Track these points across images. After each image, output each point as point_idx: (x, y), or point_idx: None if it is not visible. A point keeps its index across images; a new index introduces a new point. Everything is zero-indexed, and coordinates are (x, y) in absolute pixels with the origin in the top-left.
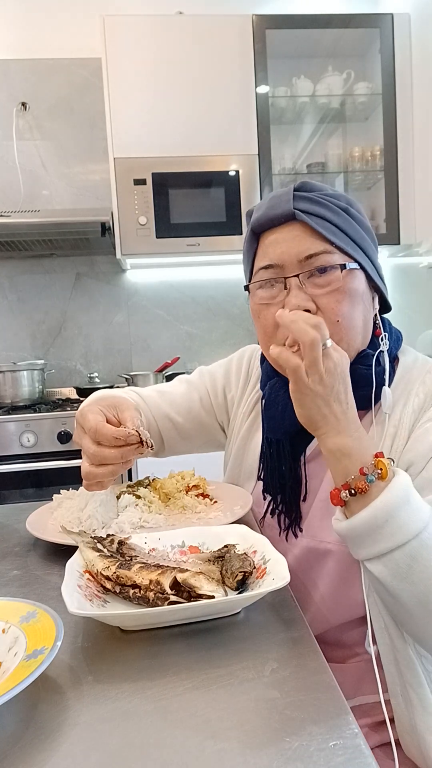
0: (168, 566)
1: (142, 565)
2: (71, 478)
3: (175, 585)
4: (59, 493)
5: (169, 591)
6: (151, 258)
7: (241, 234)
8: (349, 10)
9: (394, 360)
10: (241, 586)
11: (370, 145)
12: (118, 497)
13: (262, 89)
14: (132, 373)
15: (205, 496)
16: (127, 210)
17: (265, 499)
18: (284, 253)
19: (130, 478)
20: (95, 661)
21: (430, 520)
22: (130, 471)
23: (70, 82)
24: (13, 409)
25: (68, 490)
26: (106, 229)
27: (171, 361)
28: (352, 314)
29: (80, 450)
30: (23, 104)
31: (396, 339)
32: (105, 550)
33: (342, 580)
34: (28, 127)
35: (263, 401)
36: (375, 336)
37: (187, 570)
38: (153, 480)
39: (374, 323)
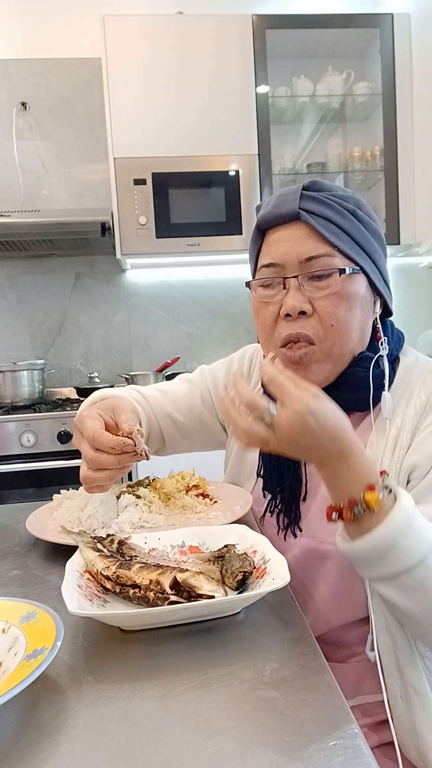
0: (168, 566)
1: (142, 565)
2: (71, 478)
3: (175, 585)
4: (59, 493)
5: (169, 591)
6: (151, 258)
7: (241, 234)
8: (349, 10)
9: (395, 361)
10: (241, 586)
11: (370, 145)
12: (118, 497)
13: (262, 89)
14: (132, 373)
15: (205, 496)
16: (127, 210)
17: (265, 497)
18: (286, 253)
19: (130, 478)
20: (95, 661)
21: None
22: (130, 471)
23: (70, 82)
24: (13, 409)
25: (68, 490)
26: (106, 229)
27: (171, 361)
28: (348, 319)
29: (77, 447)
30: (23, 104)
31: (398, 340)
32: (105, 550)
33: (343, 581)
34: (28, 127)
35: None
36: (376, 339)
37: (187, 570)
38: (153, 480)
39: (375, 327)
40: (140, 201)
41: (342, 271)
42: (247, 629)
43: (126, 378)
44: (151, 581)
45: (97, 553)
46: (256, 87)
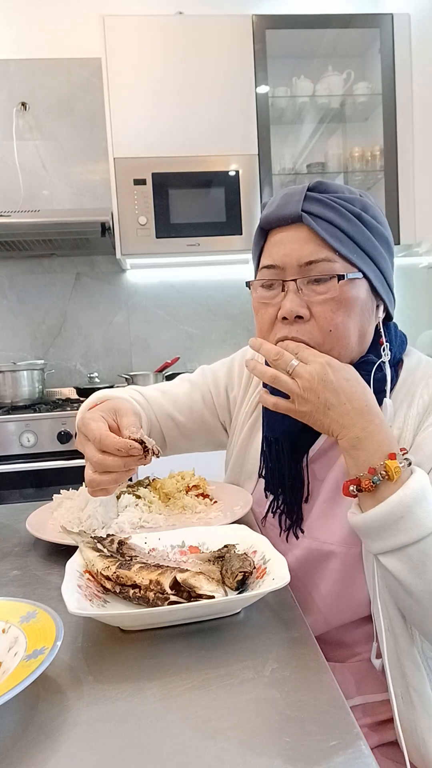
0: (168, 566)
1: (142, 565)
2: (71, 478)
3: (175, 585)
4: (59, 493)
5: (169, 591)
6: (151, 258)
7: (241, 234)
8: (349, 10)
9: (398, 363)
10: (241, 586)
11: (370, 145)
12: (118, 497)
13: (262, 89)
14: (132, 373)
15: (205, 496)
16: (127, 210)
17: (267, 498)
18: (286, 255)
19: (130, 478)
20: (95, 661)
21: None
22: None
23: (70, 82)
24: (13, 409)
25: (68, 490)
26: (106, 229)
27: (171, 361)
28: (346, 324)
29: (80, 450)
30: (23, 104)
31: (401, 343)
32: (105, 550)
33: (344, 582)
34: (28, 127)
35: None
36: (379, 344)
37: (187, 570)
38: (153, 480)
39: (378, 331)
40: (140, 201)
41: (341, 277)
42: (247, 629)
43: (126, 378)
44: (151, 581)
45: (97, 553)
46: (256, 87)
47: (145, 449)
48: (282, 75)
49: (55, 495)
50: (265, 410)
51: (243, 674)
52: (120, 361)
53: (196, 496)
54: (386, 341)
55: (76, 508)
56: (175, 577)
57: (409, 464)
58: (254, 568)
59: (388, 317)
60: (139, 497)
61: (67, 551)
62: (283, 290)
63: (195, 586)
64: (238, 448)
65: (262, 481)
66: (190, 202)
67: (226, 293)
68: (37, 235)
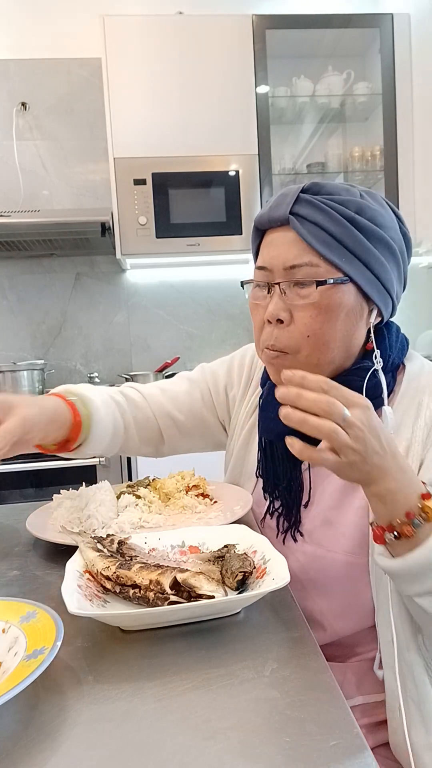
0: (168, 566)
1: (142, 565)
2: (71, 478)
3: (175, 585)
4: (59, 493)
5: (169, 591)
6: (151, 258)
7: (241, 234)
8: (349, 10)
9: (398, 367)
10: (241, 586)
11: (370, 145)
12: (118, 497)
13: (262, 89)
14: (132, 373)
15: (205, 496)
16: (127, 210)
17: (266, 499)
18: (274, 257)
19: (130, 478)
20: (95, 661)
21: None
22: (130, 471)
23: (70, 82)
24: None
25: (68, 490)
26: (106, 229)
27: (171, 361)
28: (326, 330)
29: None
30: (23, 104)
31: (401, 348)
32: (105, 550)
33: (351, 592)
34: (28, 127)
35: (260, 400)
36: (376, 348)
37: (187, 570)
38: (153, 480)
39: (369, 336)
40: (140, 201)
41: (321, 282)
42: (247, 629)
43: (126, 378)
44: (151, 581)
45: (97, 553)
46: (256, 87)
47: None
48: (282, 75)
49: (55, 495)
50: (261, 410)
51: (243, 674)
52: (120, 361)
53: (196, 496)
54: (379, 346)
55: (76, 508)
56: (175, 577)
57: None
58: (254, 568)
59: (383, 321)
60: (139, 497)
61: (67, 551)
62: (269, 292)
63: (195, 586)
64: (238, 448)
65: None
66: (190, 202)
67: (226, 293)
68: (37, 235)
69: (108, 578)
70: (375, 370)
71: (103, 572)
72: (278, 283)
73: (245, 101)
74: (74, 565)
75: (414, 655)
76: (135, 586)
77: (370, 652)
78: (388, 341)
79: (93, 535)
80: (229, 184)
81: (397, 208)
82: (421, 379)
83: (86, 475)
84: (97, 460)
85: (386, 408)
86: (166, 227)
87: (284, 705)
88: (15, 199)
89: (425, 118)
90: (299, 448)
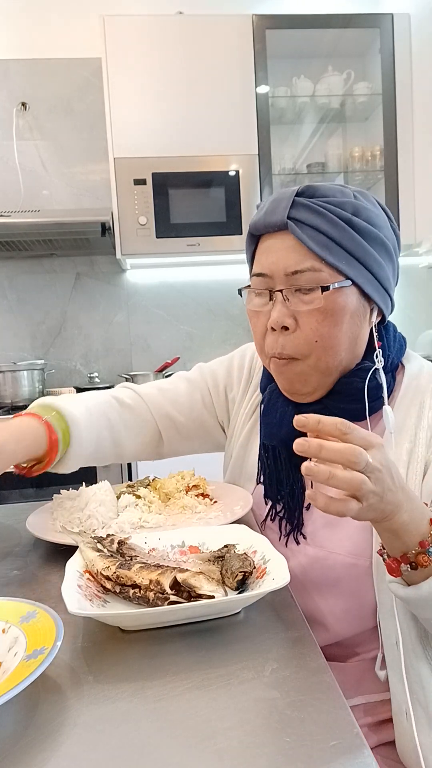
0: (168, 566)
1: (142, 565)
2: (71, 478)
3: (175, 585)
4: (59, 493)
5: (169, 591)
6: (151, 258)
7: (241, 234)
8: (349, 10)
9: (397, 367)
10: (241, 586)
11: (370, 145)
12: (118, 497)
13: (262, 89)
14: (132, 373)
15: (205, 496)
16: (127, 210)
17: (266, 504)
18: (274, 264)
19: (130, 478)
20: (95, 661)
21: None
22: (130, 471)
23: (70, 82)
24: (13, 409)
25: (68, 490)
26: (106, 229)
27: (171, 361)
28: (333, 334)
29: None
30: (23, 104)
31: (399, 347)
32: (105, 550)
33: (353, 593)
34: (28, 127)
35: (262, 405)
36: (375, 348)
37: (187, 570)
38: (153, 480)
39: (373, 335)
40: (140, 201)
41: (325, 288)
42: (247, 629)
43: (126, 378)
44: (151, 581)
45: (97, 553)
46: (256, 87)
47: None
48: (282, 75)
49: (55, 495)
50: (263, 415)
51: (243, 674)
52: (120, 361)
53: (196, 496)
54: (382, 345)
55: (76, 508)
56: (175, 577)
57: None
58: (254, 568)
59: (384, 320)
60: (139, 497)
61: (67, 551)
62: (270, 299)
63: (195, 586)
64: (237, 450)
65: (261, 485)
66: (190, 202)
67: (226, 293)
68: (37, 235)
69: (108, 578)
70: (376, 369)
71: (103, 572)
72: (281, 290)
73: (245, 101)
74: (74, 565)
75: (420, 656)
76: (135, 586)
77: (371, 652)
78: (387, 341)
79: (93, 535)
80: (229, 184)
81: (398, 208)
82: (420, 379)
83: (86, 475)
84: None
85: (387, 407)
86: (166, 227)
87: (284, 705)
88: (15, 199)
89: (425, 118)
90: (324, 502)
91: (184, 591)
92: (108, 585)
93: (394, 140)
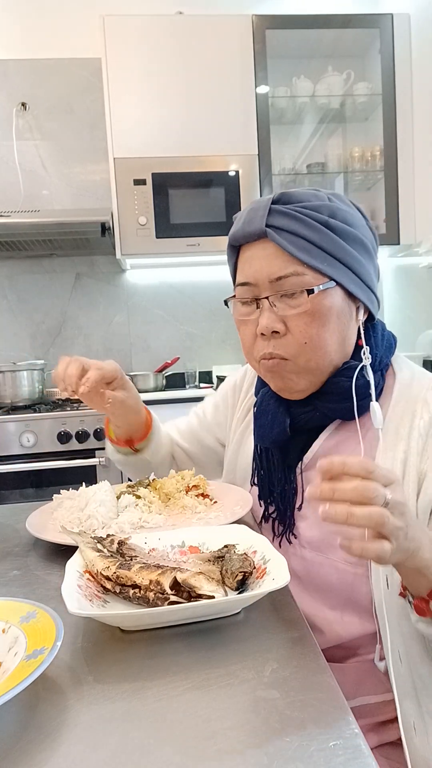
0: (168, 566)
1: (142, 565)
2: (71, 478)
3: (175, 585)
4: (59, 493)
5: (169, 591)
6: (151, 258)
7: None
8: (349, 10)
9: (386, 368)
10: (241, 586)
11: (370, 145)
12: (118, 497)
13: (262, 89)
14: (132, 373)
15: (205, 496)
16: (127, 210)
17: (261, 506)
18: (257, 272)
19: (130, 478)
20: (95, 662)
21: None
22: None
23: (70, 82)
24: (13, 409)
25: (68, 490)
26: (106, 229)
27: (171, 361)
28: (322, 335)
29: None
30: (23, 104)
31: (389, 346)
32: (105, 550)
33: (350, 598)
34: (28, 127)
35: (255, 408)
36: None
37: (187, 570)
38: (153, 480)
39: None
40: (140, 201)
41: (311, 291)
42: (247, 629)
43: None
44: (151, 581)
45: (97, 553)
46: (256, 87)
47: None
48: (282, 75)
49: (55, 495)
50: (256, 417)
51: (243, 674)
52: (120, 361)
53: (196, 496)
54: (367, 343)
55: (76, 508)
56: (175, 577)
57: None
58: (254, 568)
59: (372, 317)
60: (139, 497)
61: (67, 551)
62: (257, 307)
63: (195, 586)
64: (231, 452)
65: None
66: (190, 202)
67: (226, 293)
68: (37, 235)
69: (108, 578)
70: (363, 366)
71: (103, 572)
72: (267, 297)
73: (245, 101)
74: (74, 565)
75: (426, 664)
76: (135, 586)
77: (371, 654)
78: (374, 339)
79: (93, 535)
80: (229, 184)
81: (397, 208)
82: (412, 387)
83: (86, 475)
84: (97, 460)
85: (374, 404)
86: (166, 227)
87: (284, 705)
88: (15, 199)
89: (425, 118)
90: (360, 548)
91: (184, 591)
92: (108, 585)
93: (394, 140)
